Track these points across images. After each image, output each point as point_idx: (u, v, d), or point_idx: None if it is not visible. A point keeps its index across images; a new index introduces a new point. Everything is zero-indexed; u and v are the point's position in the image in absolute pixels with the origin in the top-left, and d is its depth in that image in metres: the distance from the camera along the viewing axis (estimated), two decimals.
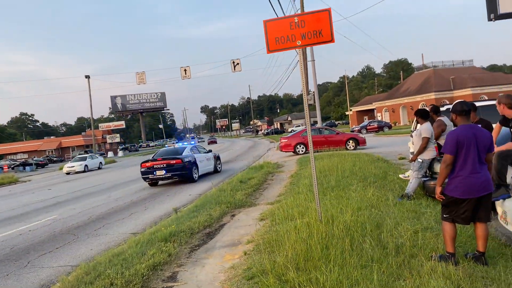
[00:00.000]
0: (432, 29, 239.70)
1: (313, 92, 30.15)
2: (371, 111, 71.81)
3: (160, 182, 17.03)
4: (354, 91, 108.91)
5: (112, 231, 8.91)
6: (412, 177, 7.67)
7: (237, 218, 8.18)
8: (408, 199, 7.36)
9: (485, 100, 11.99)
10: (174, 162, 15.83)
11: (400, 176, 9.20)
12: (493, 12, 11.71)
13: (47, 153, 74.02)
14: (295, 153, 22.79)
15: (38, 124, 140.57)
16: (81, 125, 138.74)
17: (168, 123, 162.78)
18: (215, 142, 73.06)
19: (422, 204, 6.95)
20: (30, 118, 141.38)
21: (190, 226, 7.27)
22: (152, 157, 16.90)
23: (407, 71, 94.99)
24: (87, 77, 52.78)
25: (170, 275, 5.17)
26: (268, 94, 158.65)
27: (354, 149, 22.02)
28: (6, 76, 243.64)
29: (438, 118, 7.87)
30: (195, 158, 16.90)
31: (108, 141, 77.78)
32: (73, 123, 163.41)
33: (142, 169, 16.19)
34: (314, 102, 29.53)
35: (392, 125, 53.29)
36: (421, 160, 7.50)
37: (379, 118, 62.78)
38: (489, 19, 12.10)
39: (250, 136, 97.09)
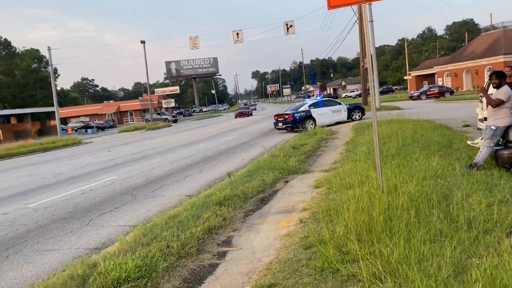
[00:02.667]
0: None
1: (370, 55, 28.82)
2: (431, 75, 67.90)
3: (212, 146, 17.37)
4: (413, 54, 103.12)
5: (168, 192, 9.09)
6: (483, 145, 7.04)
7: (290, 184, 8.01)
8: (478, 169, 6.79)
9: None
10: (287, 117, 20.29)
11: (468, 143, 8.52)
12: None
13: (107, 117, 77.54)
14: (351, 119, 22.06)
15: (98, 88, 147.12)
16: (138, 90, 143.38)
17: (220, 88, 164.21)
18: (246, 114, 48.94)
19: (494, 175, 6.36)
20: (91, 82, 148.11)
21: (244, 190, 7.20)
22: (284, 111, 21.46)
23: (473, 32, 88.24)
24: (143, 42, 53.76)
25: (225, 239, 5.14)
26: (321, 58, 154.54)
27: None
28: (68, 43, 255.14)
29: None
30: (310, 113, 20.36)
31: (164, 105, 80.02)
32: (130, 88, 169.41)
33: (273, 121, 21.46)
34: (372, 66, 28.21)
35: (454, 90, 50.12)
36: (494, 127, 6.84)
37: (440, 83, 59.28)
38: None
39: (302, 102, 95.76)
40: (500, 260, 3.37)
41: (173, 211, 6.50)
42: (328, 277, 3.52)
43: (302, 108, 20.69)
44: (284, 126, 20.54)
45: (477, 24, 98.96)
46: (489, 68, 51.17)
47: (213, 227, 5.39)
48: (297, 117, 20.04)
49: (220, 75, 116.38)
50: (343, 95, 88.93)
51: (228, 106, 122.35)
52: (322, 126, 19.86)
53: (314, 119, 20.38)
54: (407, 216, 4.44)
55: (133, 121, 77.30)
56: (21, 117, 47.85)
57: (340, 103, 22.56)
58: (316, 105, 21.22)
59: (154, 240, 4.80)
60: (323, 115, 20.82)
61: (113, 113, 79.83)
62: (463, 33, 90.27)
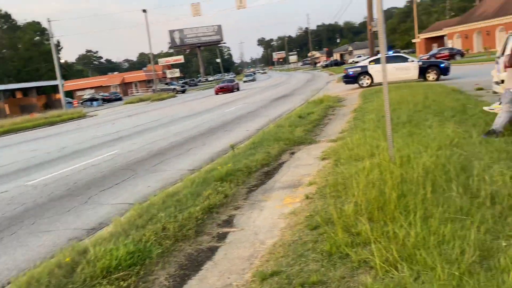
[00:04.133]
0: None
1: (377, 18, 27.71)
2: (440, 38, 65.89)
3: (217, 117, 17.01)
4: (422, 16, 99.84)
5: (169, 167, 8.78)
6: (502, 110, 6.56)
7: (296, 156, 7.64)
8: (497, 136, 6.34)
9: None
10: (345, 72, 21.75)
11: (485, 108, 8.03)
12: None
13: (111, 89, 77.01)
14: (359, 85, 21.38)
15: (102, 60, 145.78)
16: (143, 61, 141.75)
17: (226, 57, 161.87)
18: (229, 90, 38.25)
19: None
20: (95, 55, 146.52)
21: (247, 164, 6.85)
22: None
23: None
24: (144, 11, 52.51)
25: (226, 218, 4.82)
26: (328, 23, 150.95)
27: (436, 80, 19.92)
28: (71, 15, 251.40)
29: None
30: (367, 68, 20.71)
31: (168, 76, 79.07)
32: (135, 59, 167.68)
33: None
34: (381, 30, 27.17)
35: (465, 52, 48.67)
36: None
37: (450, 45, 57.56)
38: None
39: (308, 69, 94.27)
40: None
41: (172, 188, 6.18)
42: (336, 263, 3.18)
43: (361, 64, 21.45)
44: (344, 80, 22.10)
45: None
46: (502, 28, 49.37)
47: (213, 205, 5.07)
48: (350, 73, 21.17)
49: (225, 43, 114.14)
50: (350, 60, 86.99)
51: (234, 75, 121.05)
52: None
53: (371, 75, 20.44)
54: (423, 191, 4.06)
55: (138, 92, 76.76)
56: (26, 91, 47.56)
57: (410, 60, 20.64)
58: (377, 60, 20.34)
59: (149, 222, 4.50)
60: (378, 72, 19.86)
61: (118, 84, 79.23)
62: None
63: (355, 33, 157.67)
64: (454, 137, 6.45)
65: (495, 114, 7.09)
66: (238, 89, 40.30)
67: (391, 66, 19.94)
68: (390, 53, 24.72)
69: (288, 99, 22.26)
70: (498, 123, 6.53)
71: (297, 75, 62.32)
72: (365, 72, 20.75)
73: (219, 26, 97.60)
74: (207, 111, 21.14)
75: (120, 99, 59.75)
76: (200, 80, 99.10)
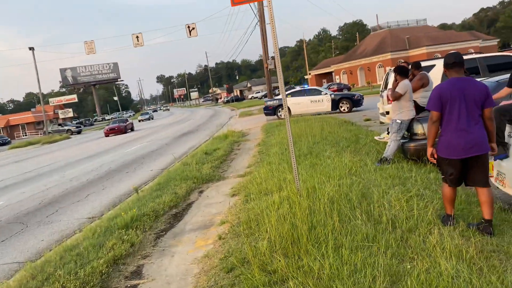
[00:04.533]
0: None
1: (273, 56, 29.31)
2: (329, 74, 71.89)
3: (117, 157, 16.11)
4: (311, 54, 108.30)
5: (66, 216, 8.00)
6: (390, 139, 7.21)
7: (205, 194, 7.49)
8: (388, 163, 6.93)
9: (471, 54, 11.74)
10: (265, 106, 23.01)
11: (376, 138, 8.77)
12: None
13: None
14: (278, 117, 22.12)
15: None
16: (31, 101, 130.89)
17: (124, 94, 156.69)
18: (121, 131, 34.54)
19: (404, 168, 6.51)
20: None
21: (154, 207, 6.51)
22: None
23: (363, 32, 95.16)
24: (31, 49, 48.93)
25: (134, 269, 4.46)
26: (226, 61, 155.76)
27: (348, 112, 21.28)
28: None
29: (421, 72, 7.39)
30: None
31: (61, 116, 73.78)
32: (21, 99, 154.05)
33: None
34: (275, 67, 28.75)
35: (351, 86, 53.51)
36: (399, 121, 7.04)
37: (338, 81, 62.95)
38: None
39: (210, 105, 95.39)
40: (431, 261, 3.24)
41: (70, 241, 5.59)
42: None
43: (279, 97, 22.05)
44: (265, 112, 23.08)
45: (366, 25, 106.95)
46: (380, 64, 55.57)
47: (119, 256, 4.67)
48: (270, 106, 22.44)
49: (122, 80, 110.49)
50: (250, 96, 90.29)
51: (134, 113, 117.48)
52: (301, 115, 20.36)
53: (288, 108, 20.77)
54: (331, 221, 4.20)
55: (26, 135, 70.25)
56: None
57: (324, 93, 21.67)
58: (294, 94, 21.91)
59: (45, 283, 3.97)
60: (299, 104, 21.06)
61: (2, 127, 71.78)
62: (355, 33, 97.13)
63: (252, 70, 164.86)
64: (351, 166, 6.90)
65: (385, 143, 7.79)
66: (132, 129, 37.10)
67: (306, 99, 21.18)
68: (306, 86, 25.99)
69: (192, 136, 22.10)
70: (388, 151, 7.15)
71: (200, 111, 62.59)
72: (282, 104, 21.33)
73: (116, 64, 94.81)
74: (106, 152, 20.00)
75: (8, 142, 53.87)
76: (96, 119, 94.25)
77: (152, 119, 61.31)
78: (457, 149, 3.83)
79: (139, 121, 58.53)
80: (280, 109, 21.81)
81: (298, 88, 25.90)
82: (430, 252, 3.41)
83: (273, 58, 32.71)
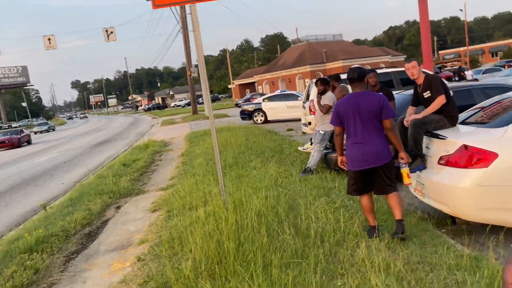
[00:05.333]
0: (304, 3, 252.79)
1: (197, 64, 28.96)
2: (252, 84, 72.96)
3: (24, 169, 14.64)
4: (235, 64, 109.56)
5: None
6: (314, 150, 7.29)
7: (123, 210, 6.94)
8: (312, 174, 6.97)
9: (383, 68, 12.36)
10: (241, 110, 22.07)
11: (299, 148, 8.85)
12: None
13: None
14: (254, 122, 21.09)
15: None
16: None
17: (34, 100, 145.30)
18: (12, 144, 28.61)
19: (327, 178, 6.59)
20: None
21: (64, 226, 5.87)
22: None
23: (283, 45, 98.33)
24: None
25: None
26: (147, 67, 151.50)
27: None
28: None
29: (341, 84, 7.57)
30: (261, 106, 20.83)
31: None
32: None
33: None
34: (198, 75, 28.39)
35: None
36: (323, 132, 7.13)
37: (261, 91, 64.12)
38: None
39: (130, 112, 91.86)
40: (361, 277, 3.18)
41: None
42: None
43: (256, 101, 21.98)
44: (241, 116, 21.79)
45: (286, 37, 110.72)
46: (300, 76, 57.62)
47: (19, 286, 4.06)
48: (246, 110, 21.44)
49: (32, 85, 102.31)
50: (172, 104, 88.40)
51: (45, 120, 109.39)
52: (279, 121, 19.94)
53: (264, 113, 20.65)
54: (259, 237, 4.02)
55: None
56: None
57: (300, 98, 19.54)
58: (271, 98, 21.32)
59: None
60: (275, 109, 20.44)
61: None
62: (276, 45, 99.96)
63: (175, 78, 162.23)
64: (277, 177, 6.84)
65: (309, 153, 7.86)
66: (29, 142, 31.34)
67: (283, 105, 20.28)
68: (287, 91, 25.28)
69: (110, 145, 20.87)
70: (312, 161, 7.21)
71: (119, 119, 59.80)
72: (259, 109, 20.85)
73: (25, 67, 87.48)
74: (11, 163, 18.12)
75: None
76: (1, 127, 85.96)
77: (53, 130, 52.51)
78: (354, 161, 4.00)
79: (35, 133, 48.76)
80: (256, 114, 20.97)
81: (278, 92, 24.52)
82: (359, 266, 3.37)
83: (196, 66, 32.39)
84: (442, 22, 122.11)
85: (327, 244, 3.88)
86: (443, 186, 4.20)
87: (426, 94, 4.82)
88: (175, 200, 6.28)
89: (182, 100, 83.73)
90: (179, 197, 6.30)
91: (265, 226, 4.29)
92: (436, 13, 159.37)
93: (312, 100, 9.90)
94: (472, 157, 3.95)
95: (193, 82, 34.96)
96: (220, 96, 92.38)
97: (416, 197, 4.99)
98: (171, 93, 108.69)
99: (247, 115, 21.72)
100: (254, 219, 4.47)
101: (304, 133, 12.64)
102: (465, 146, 4.03)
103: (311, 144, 7.78)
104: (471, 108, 5.41)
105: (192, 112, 35.71)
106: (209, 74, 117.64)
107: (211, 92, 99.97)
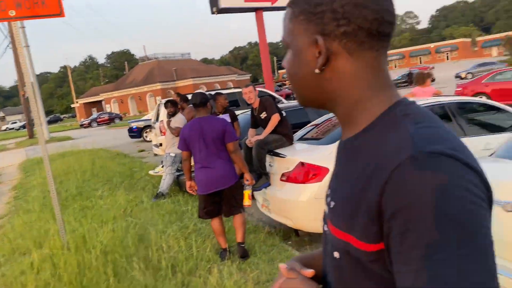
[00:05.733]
0: (152, 21, 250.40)
1: (31, 83, 25.95)
2: (99, 102, 68.77)
3: None
4: (78, 82, 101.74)
5: None
6: (165, 173, 7.11)
7: None
8: (164, 198, 6.79)
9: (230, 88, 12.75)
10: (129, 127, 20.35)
11: (150, 172, 8.53)
12: (215, 6, 12.48)
13: None
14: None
15: None
16: None
17: None
18: None
19: (180, 201, 6.49)
20: None
21: None
22: None
23: (131, 62, 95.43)
24: None
25: None
26: None
27: None
28: None
29: (189, 105, 7.58)
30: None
31: None
32: None
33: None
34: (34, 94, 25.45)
35: (123, 116, 52.48)
36: (173, 155, 7.01)
37: (109, 110, 60.83)
38: (212, 12, 12.87)
39: None
40: None
41: None
42: None
43: (145, 117, 20.62)
44: (130, 135, 20.24)
45: (133, 54, 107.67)
46: (151, 94, 56.51)
47: None
48: (133, 128, 19.89)
49: None
50: (4, 127, 77.27)
51: None
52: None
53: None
54: (104, 278, 3.68)
55: None
56: None
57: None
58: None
59: None
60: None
61: None
62: (123, 62, 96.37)
63: (6, 98, 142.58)
64: (126, 206, 6.46)
65: (160, 177, 7.63)
66: None
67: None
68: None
69: None
70: (164, 185, 7.02)
71: None
72: (148, 126, 18.95)
73: None
74: None
75: None
76: None
77: None
78: (203, 185, 4.07)
79: None
80: (146, 131, 19.19)
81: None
82: None
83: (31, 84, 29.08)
84: (280, 44, 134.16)
85: (179, 274, 3.76)
86: (285, 201, 4.49)
87: (263, 115, 5.15)
88: (3, 244, 5.40)
89: (16, 123, 74.04)
90: (7, 241, 5.44)
91: (112, 264, 3.96)
92: (274, 36, 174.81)
93: (162, 121, 9.69)
94: (309, 173, 4.31)
95: (27, 103, 31.20)
96: (62, 116, 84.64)
97: (264, 213, 5.23)
98: (1, 114, 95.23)
99: (136, 133, 20.61)
100: (100, 257, 4.10)
101: (155, 154, 12.31)
102: (302, 163, 4.38)
103: (162, 167, 7.58)
104: (307, 125, 5.95)
105: (28, 136, 31.86)
106: (50, 92, 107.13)
107: (51, 112, 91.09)
